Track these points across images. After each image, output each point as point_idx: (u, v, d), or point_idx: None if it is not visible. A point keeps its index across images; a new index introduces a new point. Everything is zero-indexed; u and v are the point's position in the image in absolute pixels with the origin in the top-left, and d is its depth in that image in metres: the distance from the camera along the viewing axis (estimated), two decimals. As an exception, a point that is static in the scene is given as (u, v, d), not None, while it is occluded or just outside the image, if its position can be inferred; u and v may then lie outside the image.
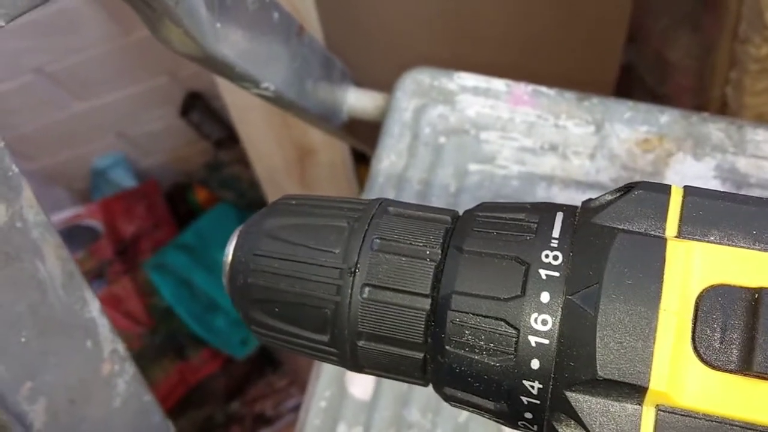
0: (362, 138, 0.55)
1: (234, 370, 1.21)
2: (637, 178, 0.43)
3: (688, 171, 0.43)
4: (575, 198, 0.43)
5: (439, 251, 0.21)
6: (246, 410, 1.20)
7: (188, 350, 1.19)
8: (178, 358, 1.18)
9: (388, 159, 0.46)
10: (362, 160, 0.98)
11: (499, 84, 0.47)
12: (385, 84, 0.50)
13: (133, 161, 1.20)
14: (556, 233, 0.20)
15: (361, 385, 0.41)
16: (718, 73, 0.72)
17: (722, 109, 0.71)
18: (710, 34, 0.73)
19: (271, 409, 1.19)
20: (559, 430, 0.19)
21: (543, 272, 0.19)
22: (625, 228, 0.19)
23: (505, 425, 0.21)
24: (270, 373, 1.22)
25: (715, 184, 0.43)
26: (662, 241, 0.18)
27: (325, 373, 0.42)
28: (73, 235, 1.09)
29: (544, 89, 0.47)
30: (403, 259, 0.21)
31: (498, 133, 0.46)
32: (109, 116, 1.08)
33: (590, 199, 0.21)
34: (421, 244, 0.21)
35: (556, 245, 0.19)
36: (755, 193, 0.42)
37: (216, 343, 1.17)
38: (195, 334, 1.16)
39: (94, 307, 0.27)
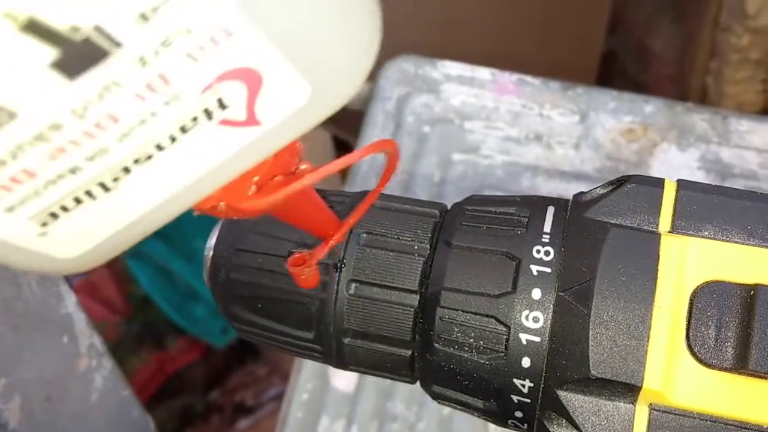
0: (344, 127, 0.54)
1: (213, 359, 1.20)
2: (622, 168, 0.43)
3: (673, 161, 0.43)
4: (560, 188, 0.43)
5: (428, 246, 0.20)
6: (226, 399, 1.19)
7: (167, 339, 1.18)
8: (156, 346, 1.17)
9: (371, 148, 0.45)
10: (343, 149, 0.98)
11: (484, 73, 0.47)
12: (371, 74, 0.49)
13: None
14: (547, 228, 0.19)
15: (344, 377, 0.41)
16: (698, 62, 0.72)
17: (702, 98, 0.71)
18: (691, 23, 0.73)
19: (252, 398, 1.18)
20: (550, 429, 0.18)
21: (534, 268, 0.19)
22: (618, 223, 0.18)
23: (495, 423, 0.20)
24: (250, 362, 1.21)
25: (699, 175, 0.42)
26: (656, 237, 0.18)
27: (308, 366, 0.41)
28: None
29: (529, 78, 0.46)
30: (391, 254, 0.20)
31: (482, 123, 0.45)
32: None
33: (582, 193, 0.20)
34: (409, 239, 0.20)
35: (547, 240, 0.19)
36: (739, 183, 0.42)
37: (195, 331, 1.16)
38: (173, 323, 1.15)
39: (70, 302, 0.26)
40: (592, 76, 0.87)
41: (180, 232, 1.16)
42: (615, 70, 0.86)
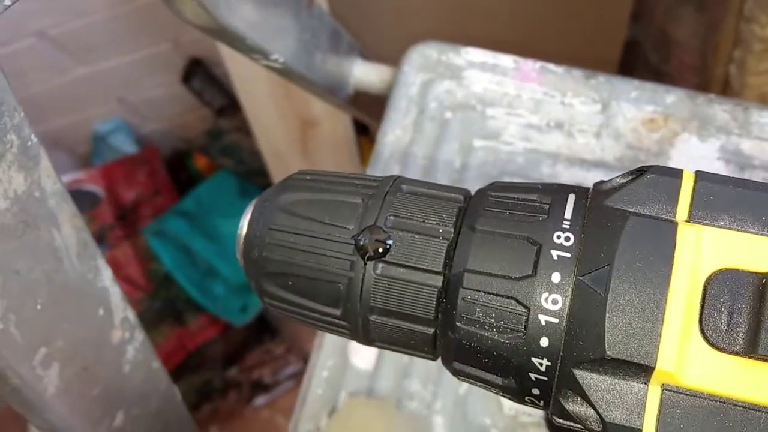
0: (367, 111, 0.55)
1: (232, 336, 1.22)
2: (642, 157, 0.44)
3: (693, 152, 0.43)
4: (580, 176, 0.44)
5: (452, 230, 0.21)
6: (244, 376, 1.21)
7: (187, 316, 1.20)
8: (176, 323, 1.19)
9: (394, 133, 0.46)
10: (364, 131, 0.98)
11: (506, 60, 0.47)
12: (392, 57, 0.50)
13: (133, 127, 1.19)
14: (568, 215, 0.20)
15: (363, 355, 0.42)
16: (721, 52, 0.71)
17: (725, 88, 0.71)
18: (715, 12, 0.72)
19: (269, 375, 1.20)
20: (566, 406, 0.19)
21: (554, 253, 0.19)
22: (637, 211, 0.19)
23: (512, 400, 0.21)
24: (268, 340, 1.23)
25: (719, 165, 0.43)
26: (673, 225, 0.19)
27: (328, 343, 0.42)
28: (74, 200, 1.09)
29: (551, 66, 0.47)
30: (416, 236, 0.21)
31: (504, 110, 0.46)
32: (111, 81, 1.08)
33: (602, 181, 0.21)
34: (434, 222, 0.21)
35: (568, 226, 0.20)
36: (759, 174, 0.42)
37: (215, 309, 1.18)
38: (194, 301, 1.17)
39: (106, 276, 0.28)
40: (614, 65, 0.87)
41: (202, 212, 1.17)
42: (637, 59, 0.86)
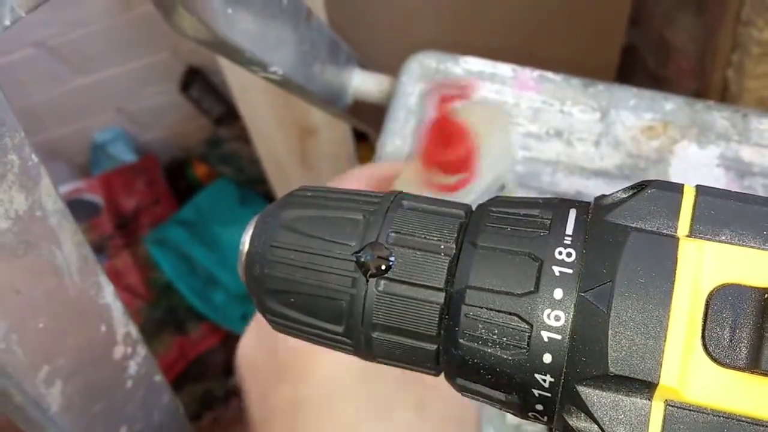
0: (366, 120, 0.55)
1: (233, 344, 1.22)
2: (642, 165, 0.44)
3: (693, 159, 0.44)
4: (580, 184, 0.44)
5: (454, 246, 0.21)
6: (245, 385, 1.21)
7: (188, 325, 1.20)
8: (177, 332, 1.19)
9: (393, 144, 0.46)
10: (363, 138, 0.98)
11: (505, 69, 0.47)
12: (391, 67, 0.50)
13: (132, 136, 1.19)
14: (569, 230, 0.20)
15: (365, 366, 0.42)
16: (719, 56, 0.72)
17: (723, 92, 0.71)
18: (713, 16, 0.73)
19: (270, 384, 1.20)
20: (570, 422, 0.19)
21: (556, 269, 0.19)
22: (638, 226, 0.19)
23: (516, 415, 0.21)
24: (269, 348, 1.23)
25: (718, 172, 0.43)
26: (674, 240, 0.19)
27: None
28: (73, 210, 1.08)
29: (550, 75, 0.47)
30: (418, 253, 0.21)
31: (503, 119, 0.46)
32: (110, 91, 1.08)
33: (603, 196, 0.21)
34: (435, 239, 0.21)
35: (569, 242, 0.20)
36: (758, 181, 0.42)
37: (215, 317, 1.18)
38: (195, 309, 1.17)
39: (108, 292, 0.28)
40: (613, 70, 0.87)
41: (201, 220, 1.17)
42: (635, 64, 0.86)
